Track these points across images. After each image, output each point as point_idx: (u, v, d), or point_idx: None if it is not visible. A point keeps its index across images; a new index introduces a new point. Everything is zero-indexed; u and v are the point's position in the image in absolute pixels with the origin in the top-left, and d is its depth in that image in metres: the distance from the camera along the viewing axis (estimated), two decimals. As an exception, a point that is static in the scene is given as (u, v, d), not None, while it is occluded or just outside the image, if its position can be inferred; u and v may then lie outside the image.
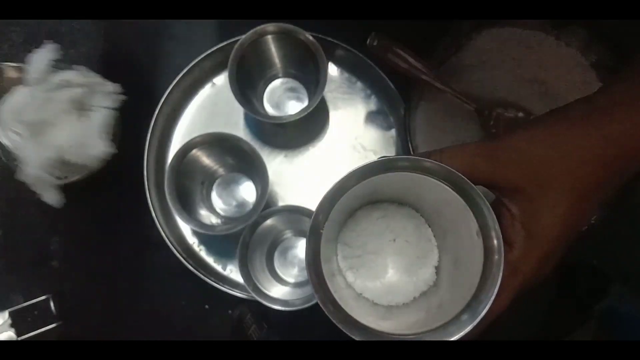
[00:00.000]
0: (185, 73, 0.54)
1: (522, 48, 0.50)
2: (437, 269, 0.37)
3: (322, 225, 0.33)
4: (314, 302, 0.45)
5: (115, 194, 0.55)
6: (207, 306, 0.53)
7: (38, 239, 0.55)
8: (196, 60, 0.54)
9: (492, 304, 0.30)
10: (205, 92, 0.57)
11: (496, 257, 0.30)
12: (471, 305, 0.30)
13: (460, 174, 0.31)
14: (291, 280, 0.52)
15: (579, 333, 0.47)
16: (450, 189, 0.32)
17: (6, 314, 0.51)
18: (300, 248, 0.53)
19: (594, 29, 0.47)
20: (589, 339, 0.47)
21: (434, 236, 0.37)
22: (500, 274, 0.30)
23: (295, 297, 0.47)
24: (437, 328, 0.31)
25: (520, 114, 0.48)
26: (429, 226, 0.37)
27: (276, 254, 0.53)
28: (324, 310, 0.31)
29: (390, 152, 0.55)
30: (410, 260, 0.36)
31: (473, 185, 0.31)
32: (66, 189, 0.54)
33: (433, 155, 0.33)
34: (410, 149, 0.49)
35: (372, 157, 0.55)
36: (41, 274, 0.54)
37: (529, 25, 0.49)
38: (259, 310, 0.50)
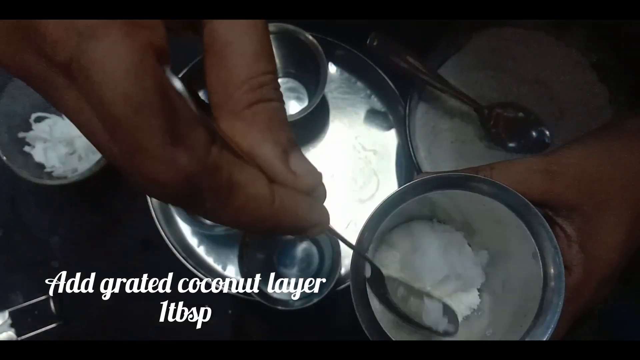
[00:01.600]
0: (185, 73, 0.54)
1: (522, 48, 0.50)
2: (481, 292, 0.34)
3: (367, 247, 0.30)
4: (314, 302, 0.45)
5: (115, 194, 0.55)
6: (207, 306, 0.53)
7: (38, 239, 0.55)
8: (196, 60, 0.54)
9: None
10: (205, 92, 0.57)
11: (555, 283, 0.28)
12: (531, 333, 0.29)
13: (517, 193, 0.28)
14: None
15: (579, 333, 0.47)
16: (503, 207, 0.29)
17: (6, 314, 0.51)
18: (300, 248, 0.53)
19: (594, 29, 0.47)
20: (589, 339, 0.47)
21: (480, 259, 0.35)
22: (562, 302, 0.28)
23: (295, 297, 0.47)
24: None
25: (520, 114, 0.48)
26: (470, 245, 0.35)
27: (276, 254, 0.53)
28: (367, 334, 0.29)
29: (391, 152, 0.55)
30: (452, 283, 0.34)
31: (531, 204, 0.28)
32: (66, 189, 0.54)
33: (482, 171, 0.31)
34: (411, 149, 0.49)
35: (372, 157, 0.55)
36: (41, 274, 0.54)
37: (529, 25, 0.49)
38: (259, 310, 0.50)
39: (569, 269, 0.29)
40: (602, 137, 0.31)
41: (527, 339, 0.29)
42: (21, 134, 0.51)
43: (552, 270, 0.28)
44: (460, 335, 0.34)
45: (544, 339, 0.28)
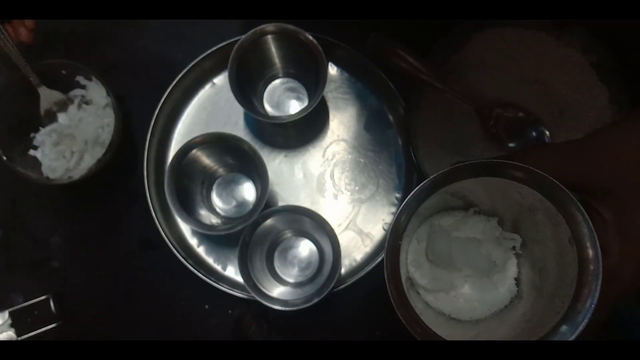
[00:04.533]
0: (185, 73, 0.54)
1: (522, 48, 0.50)
2: (518, 280, 0.35)
3: (401, 237, 0.31)
4: (314, 302, 0.45)
5: (115, 194, 0.55)
6: (207, 306, 0.53)
7: (38, 239, 0.55)
8: (196, 60, 0.54)
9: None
10: (205, 92, 0.57)
11: (593, 266, 0.28)
12: (569, 317, 0.29)
13: (551, 178, 0.29)
14: (291, 280, 0.52)
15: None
16: (537, 194, 0.30)
17: (6, 314, 0.51)
18: (300, 248, 0.53)
19: (594, 29, 0.47)
20: (589, 339, 0.47)
21: (513, 245, 0.35)
22: (599, 284, 0.28)
23: (295, 297, 0.47)
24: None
25: (520, 114, 0.48)
26: (505, 232, 0.35)
27: (276, 254, 0.53)
28: (410, 330, 0.29)
29: (391, 152, 0.55)
30: (488, 271, 0.34)
31: (565, 189, 0.29)
32: (66, 189, 0.54)
33: (516, 157, 0.31)
34: (411, 149, 0.49)
35: (372, 157, 0.55)
36: (41, 274, 0.54)
37: (529, 25, 0.49)
38: (259, 310, 0.50)
39: (605, 252, 0.29)
40: (637, 119, 0.31)
41: (566, 323, 0.29)
42: (21, 134, 0.51)
43: (589, 253, 0.28)
44: (497, 322, 0.34)
45: (583, 324, 0.28)
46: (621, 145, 0.30)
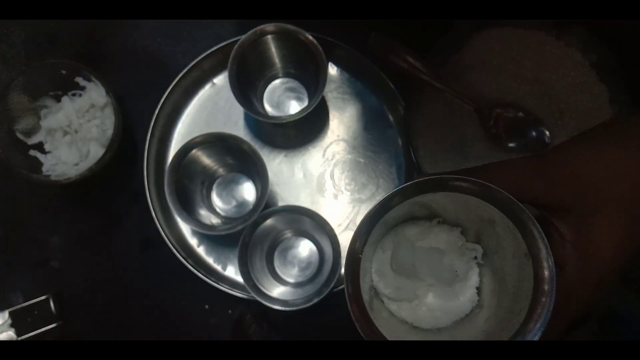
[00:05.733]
0: (185, 73, 0.54)
1: (522, 48, 0.50)
2: (480, 289, 0.35)
3: (361, 250, 0.31)
4: (314, 302, 0.45)
5: (115, 194, 0.55)
6: (207, 306, 0.53)
7: (38, 239, 0.55)
8: (196, 60, 0.54)
9: (545, 332, 0.28)
10: (205, 92, 0.57)
11: (547, 286, 0.28)
12: (521, 333, 0.29)
13: (507, 194, 0.29)
14: (291, 280, 0.52)
15: (578, 333, 0.47)
16: (495, 209, 0.30)
17: (6, 314, 0.51)
18: (300, 248, 0.53)
19: (594, 29, 0.47)
20: (589, 339, 0.47)
21: (475, 255, 0.35)
22: (552, 303, 0.28)
23: (295, 297, 0.47)
24: None
25: (520, 114, 0.48)
26: (468, 243, 0.35)
27: (276, 254, 0.53)
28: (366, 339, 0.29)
29: (391, 152, 0.55)
30: (450, 281, 0.34)
31: (521, 205, 0.29)
32: (66, 189, 0.54)
33: (478, 172, 0.31)
34: (411, 149, 0.49)
35: (372, 157, 0.55)
36: (41, 274, 0.54)
37: (529, 25, 0.49)
38: (259, 310, 0.50)
39: (562, 268, 0.29)
40: (598, 138, 0.31)
41: (518, 338, 0.29)
42: (21, 135, 0.52)
43: (545, 273, 0.28)
44: (458, 331, 0.34)
45: (535, 339, 0.28)
46: (582, 164, 0.30)
